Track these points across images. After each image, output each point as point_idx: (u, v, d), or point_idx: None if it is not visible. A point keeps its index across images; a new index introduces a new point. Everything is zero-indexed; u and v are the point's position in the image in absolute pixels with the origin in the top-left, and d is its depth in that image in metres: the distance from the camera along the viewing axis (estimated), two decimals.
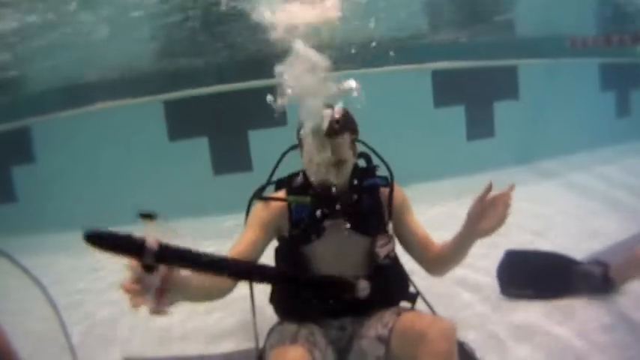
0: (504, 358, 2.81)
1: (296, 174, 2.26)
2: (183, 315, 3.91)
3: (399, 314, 2.10)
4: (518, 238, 4.96)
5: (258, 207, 2.19)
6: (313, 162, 2.03)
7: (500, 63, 8.88)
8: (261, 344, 2.36)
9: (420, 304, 2.49)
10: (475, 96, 8.66)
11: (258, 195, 2.23)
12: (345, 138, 2.03)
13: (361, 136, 2.31)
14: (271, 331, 2.27)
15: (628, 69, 10.32)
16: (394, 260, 2.28)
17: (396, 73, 7.96)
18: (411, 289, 2.52)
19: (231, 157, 7.72)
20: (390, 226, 2.23)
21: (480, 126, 8.74)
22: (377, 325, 2.11)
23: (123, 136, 7.52)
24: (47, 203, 7.44)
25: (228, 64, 8.14)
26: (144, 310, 1.33)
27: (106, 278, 5.06)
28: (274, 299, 2.32)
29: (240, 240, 2.11)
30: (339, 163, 2.03)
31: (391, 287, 2.29)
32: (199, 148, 7.69)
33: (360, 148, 2.28)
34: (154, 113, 7.62)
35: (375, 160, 2.34)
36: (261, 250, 2.11)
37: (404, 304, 2.39)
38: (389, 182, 2.26)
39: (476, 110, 8.69)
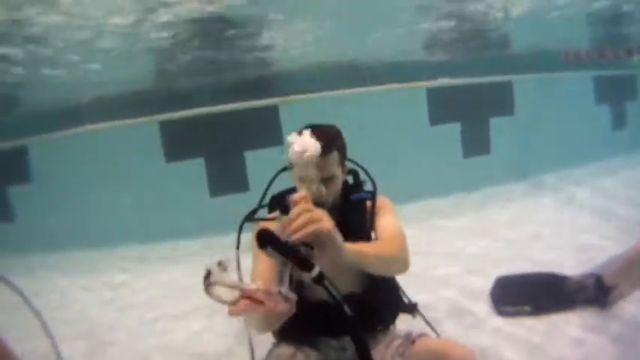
0: None
1: (290, 190, 2.28)
2: (182, 331, 3.91)
3: (413, 341, 2.10)
4: (515, 252, 4.98)
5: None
6: (303, 181, 2.04)
7: (495, 79, 8.92)
8: None
9: (415, 323, 2.50)
10: (471, 113, 8.69)
11: (250, 218, 2.24)
12: (333, 156, 2.06)
13: (358, 154, 2.34)
14: (268, 353, 2.25)
15: (622, 81, 10.38)
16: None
17: (391, 92, 8.02)
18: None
19: (227, 178, 7.72)
20: (373, 237, 2.24)
21: (476, 143, 8.75)
22: (392, 354, 2.11)
23: (119, 157, 7.51)
24: (44, 223, 7.42)
25: (224, 84, 8.17)
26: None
27: (100, 298, 5.04)
28: None
29: (257, 273, 2.07)
30: (327, 181, 2.05)
31: (384, 302, 2.30)
32: (196, 169, 7.70)
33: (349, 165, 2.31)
34: (151, 134, 7.63)
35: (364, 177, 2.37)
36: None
37: (408, 325, 2.39)
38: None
39: (472, 127, 8.71)
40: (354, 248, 1.88)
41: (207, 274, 1.40)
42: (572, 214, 6.39)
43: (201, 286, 1.40)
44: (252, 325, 1.64)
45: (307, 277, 1.69)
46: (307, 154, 1.92)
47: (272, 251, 1.66)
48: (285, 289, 1.54)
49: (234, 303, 1.43)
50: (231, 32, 6.85)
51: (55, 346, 2.79)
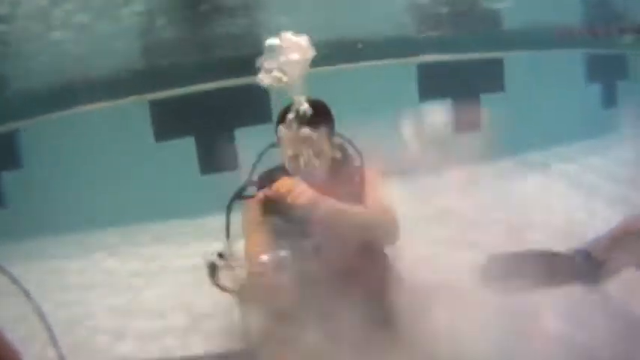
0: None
1: (277, 168, 2.28)
2: (176, 312, 3.92)
3: None
4: (504, 229, 5.00)
5: (249, 210, 2.18)
6: (292, 155, 2.05)
7: (485, 55, 8.87)
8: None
9: None
10: (461, 89, 8.65)
11: (239, 196, 2.24)
12: (322, 131, 2.07)
13: (347, 129, 2.34)
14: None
15: (613, 60, 10.34)
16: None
17: (381, 68, 7.97)
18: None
19: (217, 156, 7.68)
20: None
21: (466, 119, 8.73)
22: None
23: (110, 137, 7.45)
24: (36, 208, 7.37)
25: (213, 61, 8.09)
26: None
27: (92, 283, 5.04)
28: None
29: (252, 243, 2.08)
30: (316, 155, 2.06)
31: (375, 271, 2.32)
32: (186, 148, 7.65)
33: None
34: (140, 113, 7.56)
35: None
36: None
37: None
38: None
39: (462, 103, 8.68)
40: (340, 205, 1.91)
41: (213, 268, 1.39)
42: (561, 191, 6.42)
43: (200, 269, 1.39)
44: (250, 301, 1.65)
45: (307, 243, 1.71)
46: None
47: (276, 218, 1.68)
48: (286, 253, 1.55)
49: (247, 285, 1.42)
50: (219, 7, 6.78)
51: (50, 331, 2.79)
